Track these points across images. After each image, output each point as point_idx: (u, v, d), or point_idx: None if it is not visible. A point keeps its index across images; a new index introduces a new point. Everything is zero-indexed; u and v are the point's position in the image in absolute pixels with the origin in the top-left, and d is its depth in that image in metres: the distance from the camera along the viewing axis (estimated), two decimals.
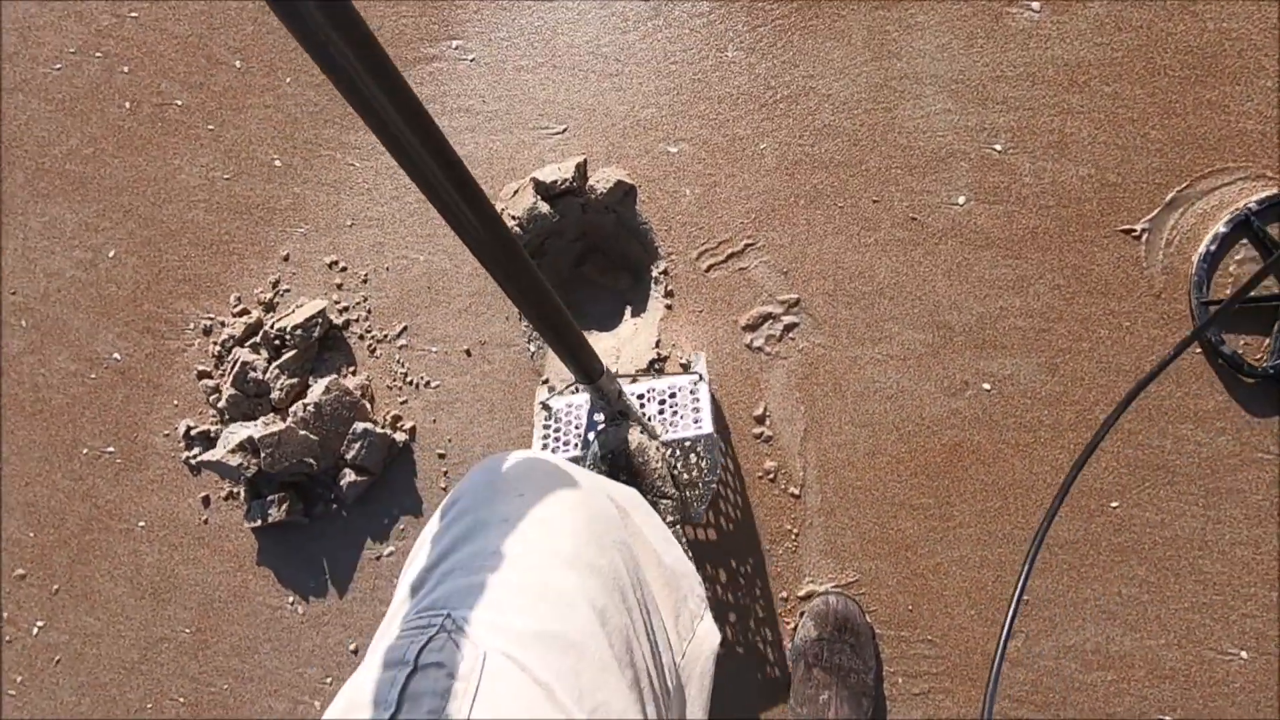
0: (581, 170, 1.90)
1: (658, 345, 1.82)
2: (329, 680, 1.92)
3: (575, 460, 1.44)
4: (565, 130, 1.98)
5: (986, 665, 1.66)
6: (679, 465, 1.47)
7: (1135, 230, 1.71)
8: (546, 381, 1.83)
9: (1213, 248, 1.61)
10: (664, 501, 1.33)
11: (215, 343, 2.06)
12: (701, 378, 1.56)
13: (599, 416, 1.47)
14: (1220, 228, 1.62)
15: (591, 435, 1.46)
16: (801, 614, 1.69)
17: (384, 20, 2.12)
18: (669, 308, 1.86)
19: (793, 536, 1.76)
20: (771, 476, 1.78)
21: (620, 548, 0.87)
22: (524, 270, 0.90)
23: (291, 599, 1.97)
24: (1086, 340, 1.70)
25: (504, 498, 0.85)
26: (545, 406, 1.59)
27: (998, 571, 1.67)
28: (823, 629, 1.62)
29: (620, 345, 1.86)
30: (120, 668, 2.04)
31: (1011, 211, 1.76)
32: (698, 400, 1.51)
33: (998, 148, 1.79)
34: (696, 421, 1.45)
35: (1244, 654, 1.58)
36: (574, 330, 1.08)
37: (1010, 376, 1.72)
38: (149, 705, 2.01)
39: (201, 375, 2.07)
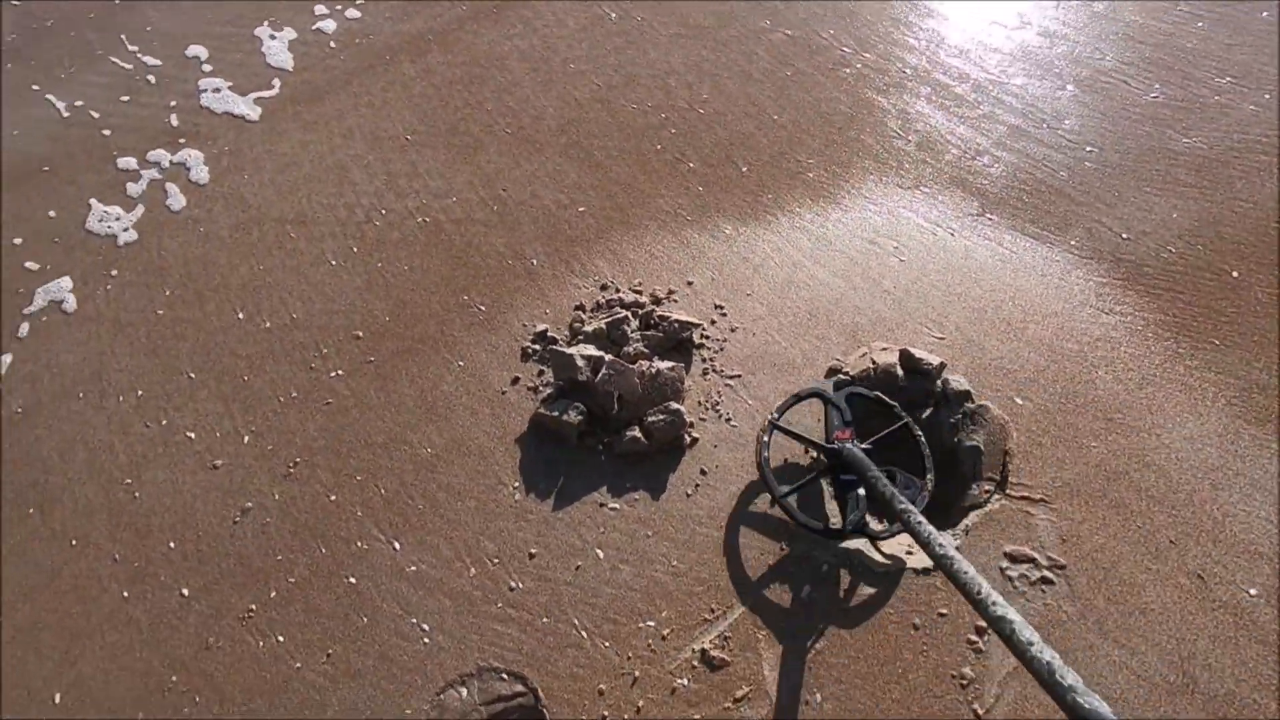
0: (942, 368, 2.43)
1: None
2: (495, 561, 2.21)
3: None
4: (942, 339, 2.56)
5: None
6: None
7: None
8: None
9: (765, 451, 2.22)
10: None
11: (605, 297, 2.75)
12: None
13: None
14: (762, 435, 2.26)
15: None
16: None
17: (849, 204, 2.98)
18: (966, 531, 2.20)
19: None
20: (963, 682, 1.93)
21: None
22: None
23: (517, 484, 2.35)
24: None
25: None
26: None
27: None
28: None
29: None
30: (363, 444, 2.50)
31: None
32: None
33: None
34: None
35: None
36: None
37: None
38: (359, 478, 2.42)
39: (578, 307, 2.74)
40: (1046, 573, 2.08)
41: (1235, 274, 2.66)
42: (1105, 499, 2.20)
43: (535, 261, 2.92)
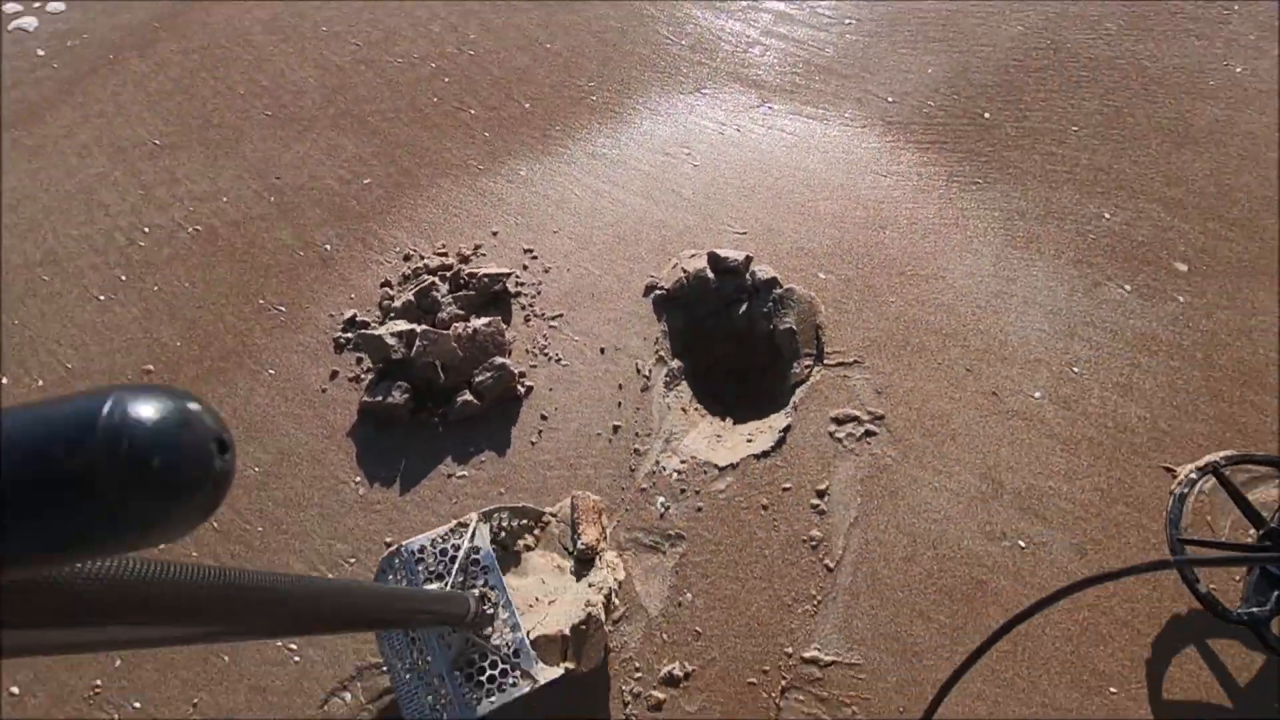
0: (749, 261, 2.52)
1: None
2: (353, 560, 2.15)
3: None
4: (745, 234, 2.65)
5: None
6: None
7: (1175, 471, 2.14)
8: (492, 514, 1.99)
9: (1186, 490, 1.90)
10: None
11: (410, 267, 2.64)
12: (534, 680, 1.65)
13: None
14: (1192, 473, 1.92)
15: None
16: None
17: (637, 121, 2.98)
18: (795, 408, 2.34)
19: (814, 602, 2.01)
20: (813, 545, 2.09)
21: None
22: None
23: (358, 479, 2.27)
24: (1117, 541, 2.05)
25: None
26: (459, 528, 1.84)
27: (991, 709, 1.86)
28: None
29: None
30: None
31: (1076, 419, 2.24)
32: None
33: (1076, 370, 2.32)
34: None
35: None
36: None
37: (1044, 544, 2.06)
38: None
39: (384, 284, 2.62)
40: (869, 426, 2.26)
41: (987, 115, 2.89)
42: (908, 346, 2.39)
43: (329, 247, 2.75)
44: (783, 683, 1.91)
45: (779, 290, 2.49)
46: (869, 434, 2.24)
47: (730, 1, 3.33)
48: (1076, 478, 2.14)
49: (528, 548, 1.99)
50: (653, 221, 2.70)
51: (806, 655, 1.93)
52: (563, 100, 3.07)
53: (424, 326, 2.36)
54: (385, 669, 1.67)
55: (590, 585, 1.84)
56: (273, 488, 2.28)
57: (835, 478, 2.18)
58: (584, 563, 1.90)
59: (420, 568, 1.72)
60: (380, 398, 2.29)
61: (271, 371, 2.49)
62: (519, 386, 2.36)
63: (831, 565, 2.05)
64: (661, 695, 1.90)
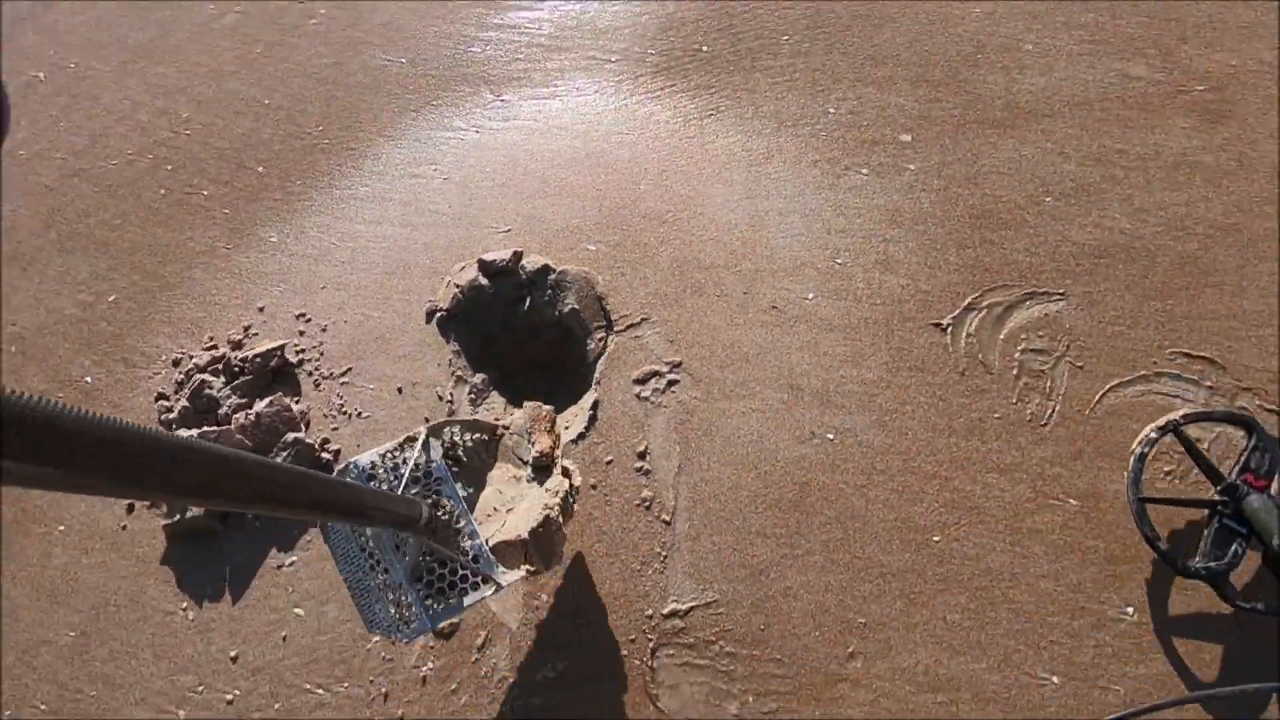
0: (518, 257, 2.53)
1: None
2: (200, 689, 2.04)
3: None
4: (510, 230, 2.64)
5: (828, 685, 1.89)
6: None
7: (942, 324, 2.31)
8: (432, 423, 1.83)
9: (1146, 449, 1.88)
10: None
11: (181, 372, 2.50)
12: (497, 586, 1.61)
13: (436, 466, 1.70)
14: (1151, 432, 1.91)
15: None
16: None
17: (377, 151, 2.91)
18: (598, 383, 2.36)
19: (661, 559, 2.07)
20: (646, 505, 2.14)
21: None
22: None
23: (185, 604, 2.16)
24: (909, 404, 2.20)
25: None
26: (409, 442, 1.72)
27: (840, 596, 1.98)
28: None
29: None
30: None
31: (849, 306, 2.37)
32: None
33: (839, 261, 2.45)
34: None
35: (1055, 679, 1.85)
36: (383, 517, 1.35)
37: (849, 429, 2.18)
38: (6, 713, 2.08)
39: (159, 398, 2.47)
40: (670, 376, 2.32)
41: (705, 48, 2.97)
42: (687, 289, 2.46)
43: (89, 379, 2.56)
44: (650, 644, 1.96)
45: (553, 275, 2.51)
46: (672, 383, 2.31)
47: (437, 5, 3.28)
48: (862, 360, 2.27)
49: (484, 463, 1.96)
50: (418, 247, 2.66)
51: (666, 611, 1.99)
52: (295, 153, 2.96)
53: (204, 429, 2.25)
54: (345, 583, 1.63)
55: (547, 490, 1.82)
56: (95, 646, 2.14)
57: (651, 435, 2.23)
58: (540, 470, 1.88)
59: (374, 485, 1.66)
60: (179, 516, 2.18)
61: (61, 528, 2.32)
62: (323, 454, 2.29)
63: (668, 519, 2.11)
64: (538, 700, 1.92)
